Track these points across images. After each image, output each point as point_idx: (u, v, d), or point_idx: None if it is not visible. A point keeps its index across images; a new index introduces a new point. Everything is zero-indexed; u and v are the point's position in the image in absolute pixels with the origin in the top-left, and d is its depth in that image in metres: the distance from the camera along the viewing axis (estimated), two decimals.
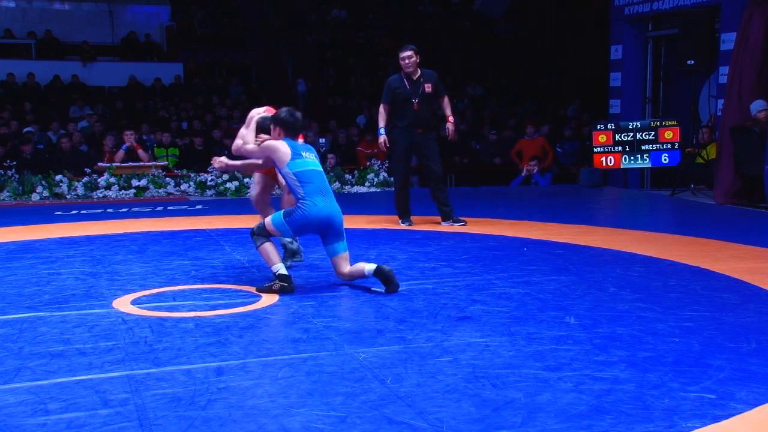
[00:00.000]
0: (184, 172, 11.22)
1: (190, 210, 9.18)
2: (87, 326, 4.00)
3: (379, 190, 11.37)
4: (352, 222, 7.81)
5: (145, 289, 4.86)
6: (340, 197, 10.69)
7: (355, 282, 4.97)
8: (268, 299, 4.56)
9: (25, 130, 12.82)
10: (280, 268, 4.74)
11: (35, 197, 10.31)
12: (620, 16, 12.17)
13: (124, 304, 4.49)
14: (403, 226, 7.46)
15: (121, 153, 11.25)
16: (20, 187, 10.34)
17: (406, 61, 7.38)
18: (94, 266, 5.62)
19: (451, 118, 7.64)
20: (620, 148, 11.08)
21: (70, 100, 15.24)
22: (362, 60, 18.14)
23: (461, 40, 19.01)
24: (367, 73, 17.67)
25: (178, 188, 10.96)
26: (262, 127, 5.21)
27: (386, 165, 11.76)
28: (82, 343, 3.70)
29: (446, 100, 7.67)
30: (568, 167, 13.20)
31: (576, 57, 18.12)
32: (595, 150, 11.20)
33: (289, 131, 4.98)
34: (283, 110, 5.05)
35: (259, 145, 5.06)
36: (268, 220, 4.88)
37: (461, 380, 3.17)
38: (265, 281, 4.88)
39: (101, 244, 6.61)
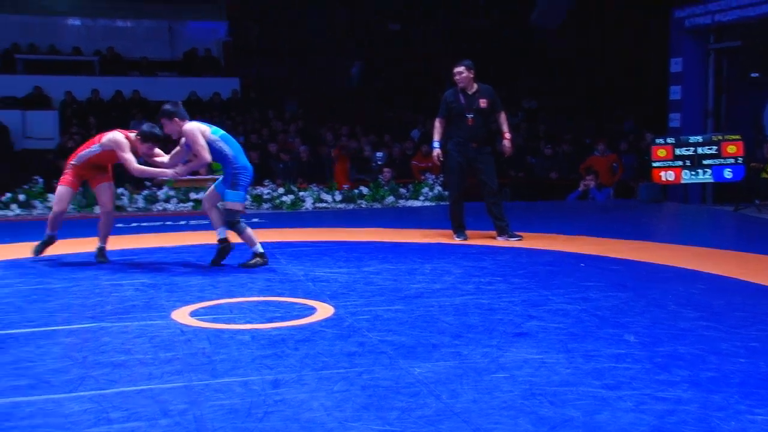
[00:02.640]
0: None
1: (247, 223, 9.27)
2: (147, 337, 4.08)
3: (433, 204, 11.35)
4: (406, 236, 7.82)
5: (203, 301, 4.92)
6: (395, 211, 10.77)
7: (410, 296, 4.98)
8: (323, 312, 4.58)
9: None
10: (259, 247, 6.03)
11: (98, 209, 10.54)
12: (680, 29, 11.97)
13: (182, 315, 4.55)
14: (457, 241, 7.43)
15: None
16: (84, 200, 10.61)
17: (457, 77, 7.41)
18: (154, 278, 5.73)
19: (507, 135, 7.58)
20: (680, 162, 10.86)
21: (132, 114, 15.60)
22: (416, 74, 18.19)
23: (516, 52, 18.93)
24: (422, 86, 17.72)
25: None
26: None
27: (441, 179, 11.76)
28: (143, 354, 3.77)
29: (503, 116, 7.63)
30: (626, 182, 13.00)
31: (635, 69, 17.87)
32: (654, 164, 11.00)
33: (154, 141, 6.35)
34: (145, 126, 6.41)
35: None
36: (228, 203, 6.01)
37: (518, 397, 3.13)
38: (322, 293, 4.95)
39: (161, 256, 6.73)
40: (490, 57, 18.74)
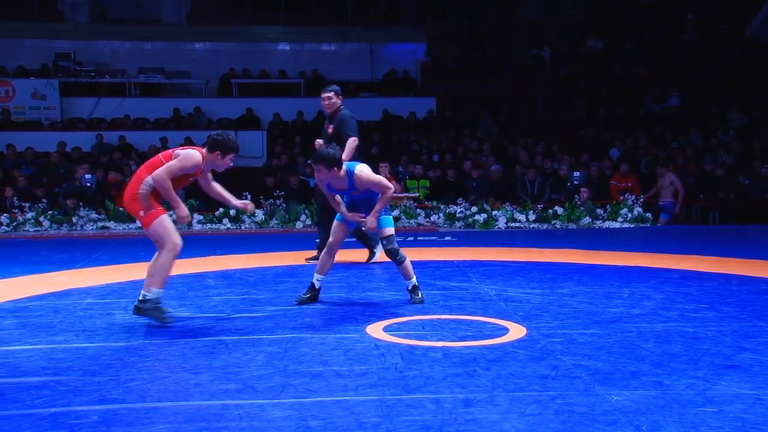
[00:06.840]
0: (434, 203, 11.51)
1: (440, 241, 9.38)
2: (343, 349, 4.21)
3: (632, 225, 10.90)
4: (603, 258, 7.54)
5: (396, 317, 5.01)
6: (591, 232, 10.43)
7: (607, 320, 4.79)
8: (515, 333, 4.51)
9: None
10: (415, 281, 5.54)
11: (299, 225, 11.11)
12: None
13: (376, 330, 4.66)
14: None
15: None
16: (286, 215, 11.20)
17: (325, 102, 7.41)
18: (350, 292, 5.91)
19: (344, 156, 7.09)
20: None
21: None
22: (616, 90, 17.59)
23: (727, 67, 17.80)
24: (621, 103, 17.10)
25: (428, 219, 11.26)
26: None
27: (641, 200, 11.27)
28: (339, 366, 3.89)
29: (348, 143, 7.14)
30: None
31: None
32: None
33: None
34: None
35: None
36: (386, 230, 5.38)
37: None
38: (514, 314, 4.89)
39: (356, 271, 6.95)
40: (699, 72, 17.78)
